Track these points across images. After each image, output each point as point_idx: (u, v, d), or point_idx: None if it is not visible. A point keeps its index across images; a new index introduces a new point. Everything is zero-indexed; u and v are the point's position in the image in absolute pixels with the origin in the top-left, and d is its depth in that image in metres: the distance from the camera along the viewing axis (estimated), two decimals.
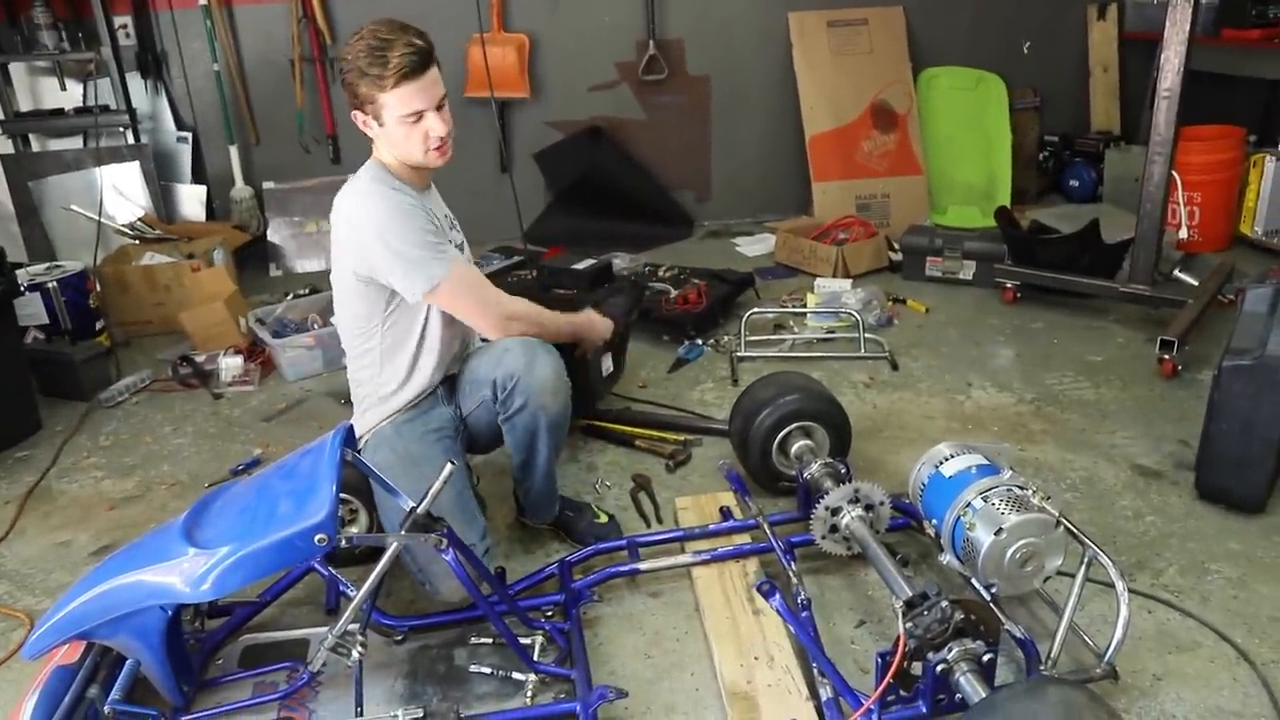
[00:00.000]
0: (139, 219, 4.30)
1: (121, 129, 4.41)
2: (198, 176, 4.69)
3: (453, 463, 1.67)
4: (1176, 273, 3.69)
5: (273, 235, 4.66)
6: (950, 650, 1.53)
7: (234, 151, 4.62)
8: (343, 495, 1.90)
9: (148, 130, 4.58)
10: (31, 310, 3.41)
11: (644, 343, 3.51)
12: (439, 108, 1.90)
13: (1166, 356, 3.00)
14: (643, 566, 2.09)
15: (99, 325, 3.63)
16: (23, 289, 3.20)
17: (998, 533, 1.73)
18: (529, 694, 1.77)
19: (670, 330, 3.51)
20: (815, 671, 1.72)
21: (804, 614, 1.84)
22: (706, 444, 2.74)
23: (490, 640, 1.93)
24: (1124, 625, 1.69)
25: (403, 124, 1.87)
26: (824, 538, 2.03)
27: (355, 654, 1.59)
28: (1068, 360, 3.23)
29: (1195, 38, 3.04)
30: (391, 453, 2.00)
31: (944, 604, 1.54)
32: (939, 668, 1.54)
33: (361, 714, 1.68)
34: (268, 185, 4.70)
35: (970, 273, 3.96)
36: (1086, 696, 1.34)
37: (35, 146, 4.48)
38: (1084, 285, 3.55)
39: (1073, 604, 1.72)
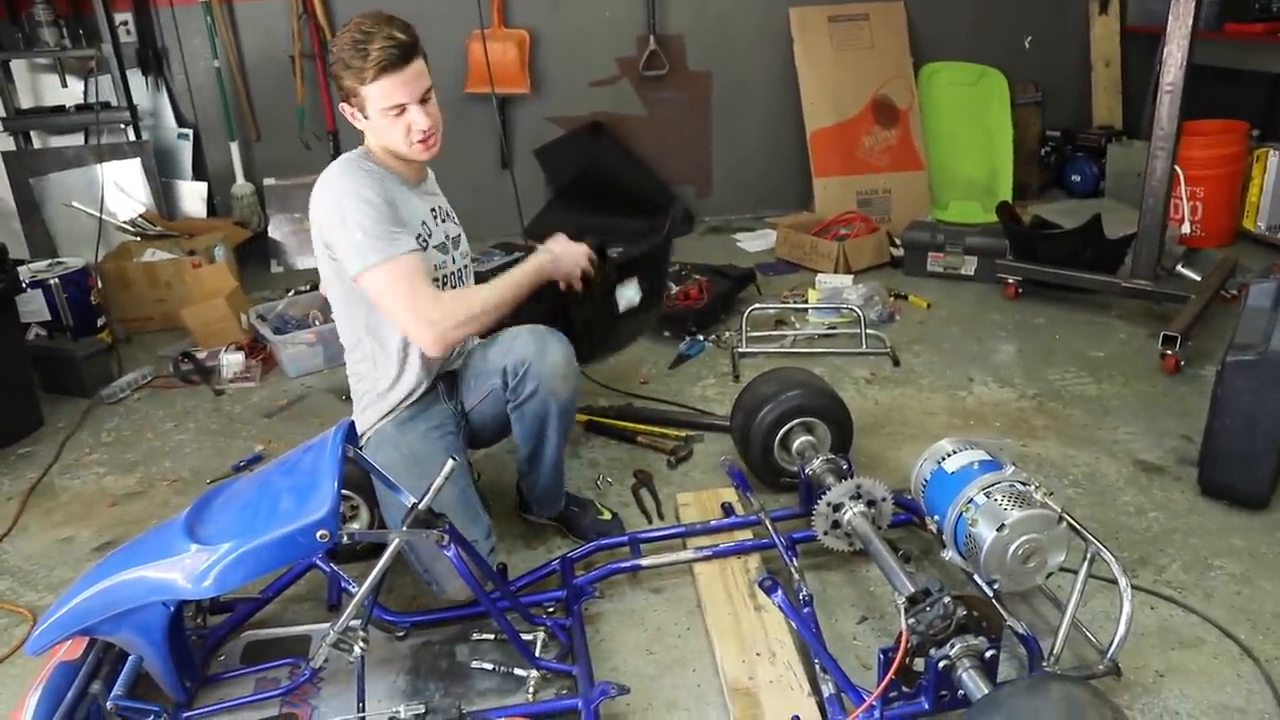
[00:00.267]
0: (140, 215, 4.30)
1: (122, 126, 4.40)
2: (199, 173, 4.68)
3: (454, 459, 1.67)
4: (1179, 268, 3.68)
5: (274, 231, 4.66)
6: (952, 646, 1.53)
7: (235, 148, 4.61)
8: (344, 492, 1.90)
9: (149, 127, 4.58)
10: (33, 307, 3.41)
11: (645, 339, 3.51)
12: (423, 101, 1.88)
13: (1169, 352, 3.00)
14: (644, 563, 2.09)
15: (100, 322, 3.63)
16: (24, 286, 3.19)
17: (1000, 529, 1.73)
18: (531, 690, 1.77)
19: (671, 326, 3.50)
20: (817, 667, 1.72)
21: (806, 610, 1.84)
22: (708, 440, 2.74)
23: (492, 636, 1.93)
24: (1127, 621, 1.69)
25: (385, 116, 1.86)
26: (826, 534, 2.03)
27: (357, 650, 1.59)
28: (1070, 356, 3.22)
29: (1198, 32, 3.03)
30: (395, 451, 1.99)
31: (946, 600, 1.54)
32: (941, 664, 1.54)
33: (363, 710, 1.68)
34: (269, 181, 4.69)
35: (972, 268, 3.95)
36: (1089, 693, 1.34)
37: (36, 143, 4.47)
38: (1086, 280, 3.54)
39: (1075, 600, 1.72)
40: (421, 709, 1.67)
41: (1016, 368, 3.16)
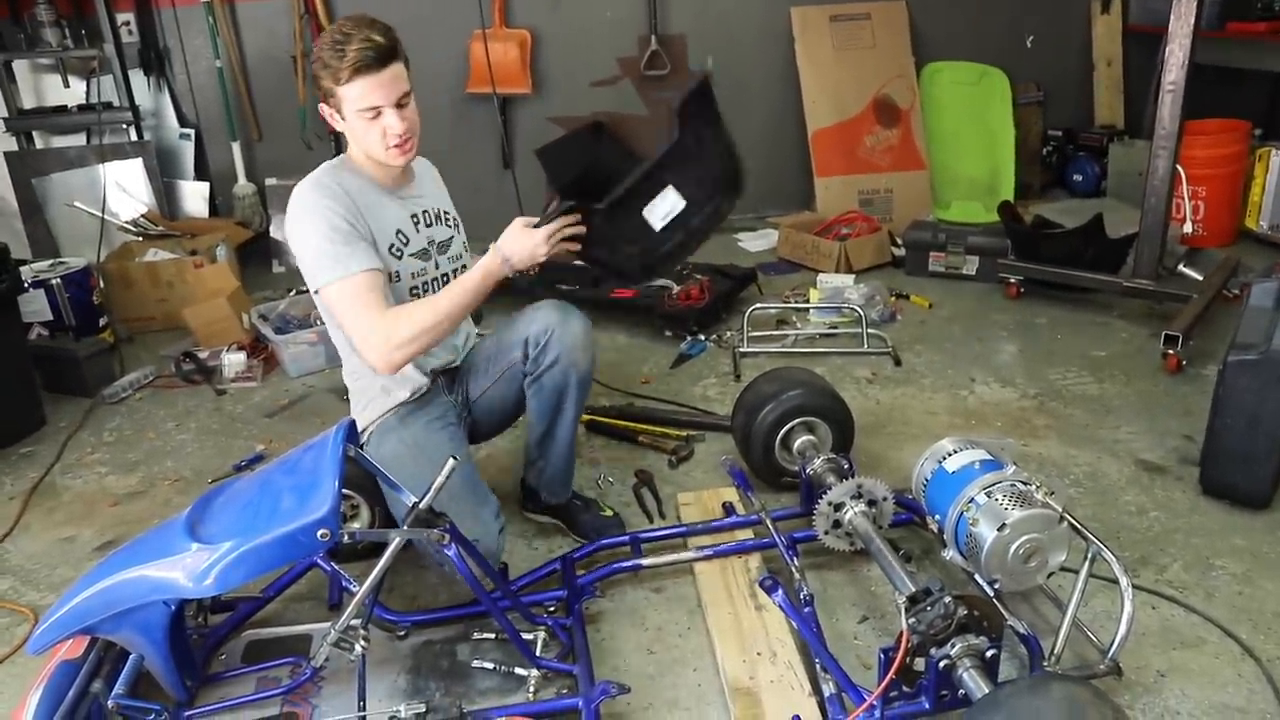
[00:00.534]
0: (142, 215, 4.31)
1: (124, 126, 4.40)
2: (200, 173, 4.69)
3: (454, 458, 1.67)
4: (1181, 267, 3.68)
5: (275, 232, 4.66)
6: (953, 646, 1.53)
7: (236, 148, 4.62)
8: (345, 491, 1.90)
9: (150, 127, 4.58)
10: (35, 307, 3.42)
11: (646, 338, 3.52)
12: (400, 105, 1.87)
13: (1171, 351, 2.99)
14: (645, 562, 2.09)
15: (102, 322, 3.63)
16: (27, 285, 3.20)
17: (1001, 528, 1.73)
18: (531, 689, 1.77)
19: (673, 326, 3.51)
20: (818, 667, 1.72)
21: (806, 609, 1.84)
22: (709, 440, 2.74)
23: (493, 635, 1.93)
24: (1128, 621, 1.69)
25: (360, 118, 1.86)
26: (827, 533, 2.03)
27: (358, 649, 1.60)
28: (1071, 355, 3.22)
29: (1200, 31, 3.02)
30: (399, 442, 2.01)
31: (947, 600, 1.54)
32: (942, 663, 1.53)
33: (364, 709, 1.68)
34: (270, 181, 4.70)
35: (973, 268, 3.95)
36: (1090, 693, 1.34)
37: (39, 143, 4.48)
38: (1088, 280, 3.54)
39: (1076, 600, 1.72)
40: (422, 708, 1.67)
41: (1018, 367, 3.16)
